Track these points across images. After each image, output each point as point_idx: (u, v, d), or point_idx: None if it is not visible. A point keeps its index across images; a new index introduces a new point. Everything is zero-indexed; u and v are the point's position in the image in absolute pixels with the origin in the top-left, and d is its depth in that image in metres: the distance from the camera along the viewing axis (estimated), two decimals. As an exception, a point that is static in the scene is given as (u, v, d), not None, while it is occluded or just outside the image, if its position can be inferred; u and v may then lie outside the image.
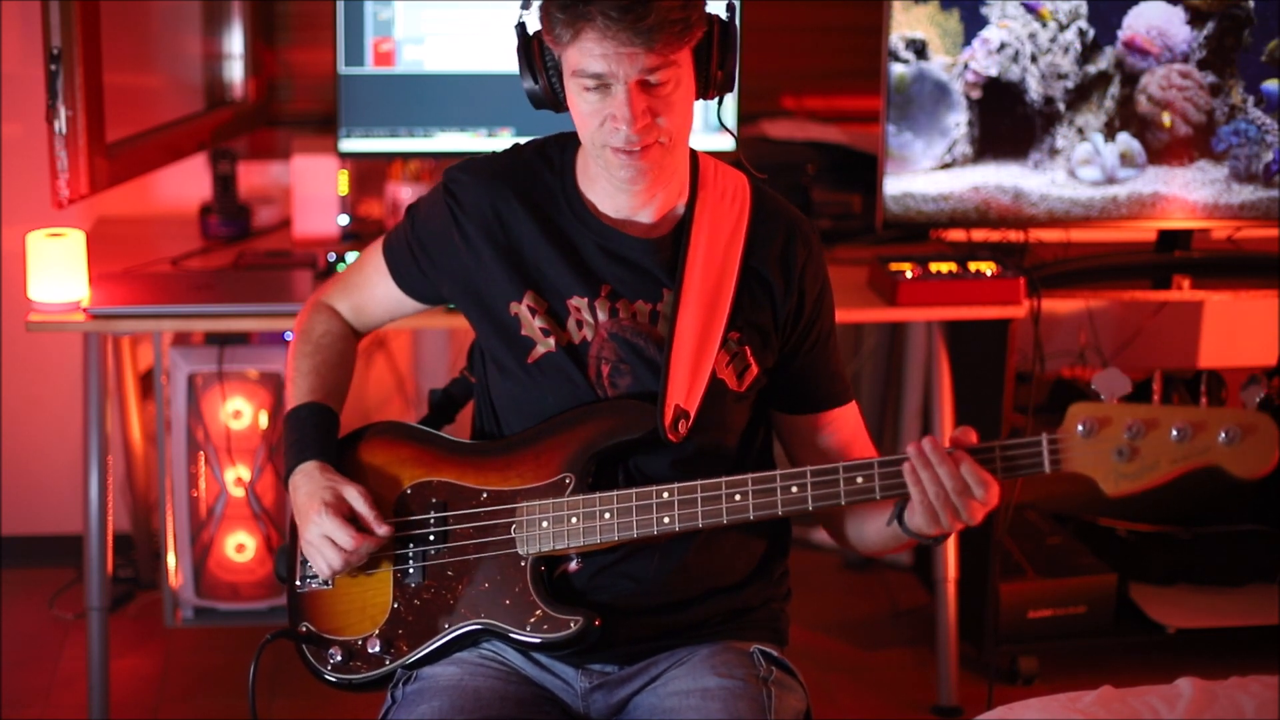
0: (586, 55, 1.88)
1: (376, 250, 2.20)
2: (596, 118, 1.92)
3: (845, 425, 2.11)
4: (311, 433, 2.11)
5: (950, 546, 3.30)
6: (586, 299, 2.03)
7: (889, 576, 3.87)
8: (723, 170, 2.10)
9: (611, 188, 2.01)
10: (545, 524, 2.00)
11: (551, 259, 2.04)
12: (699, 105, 2.01)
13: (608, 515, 1.97)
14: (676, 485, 1.95)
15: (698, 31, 1.91)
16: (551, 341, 2.03)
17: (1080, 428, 1.80)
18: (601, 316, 2.02)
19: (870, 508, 2.01)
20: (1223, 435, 1.76)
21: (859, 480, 1.90)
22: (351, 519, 2.03)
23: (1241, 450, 1.75)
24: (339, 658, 2.05)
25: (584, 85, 1.90)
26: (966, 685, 3.37)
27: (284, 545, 2.17)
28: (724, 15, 1.98)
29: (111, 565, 3.19)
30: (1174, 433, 1.77)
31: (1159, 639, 3.47)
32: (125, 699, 3.31)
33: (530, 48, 1.98)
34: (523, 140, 2.13)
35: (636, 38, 1.84)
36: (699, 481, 1.95)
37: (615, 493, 1.97)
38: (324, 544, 2.02)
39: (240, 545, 3.44)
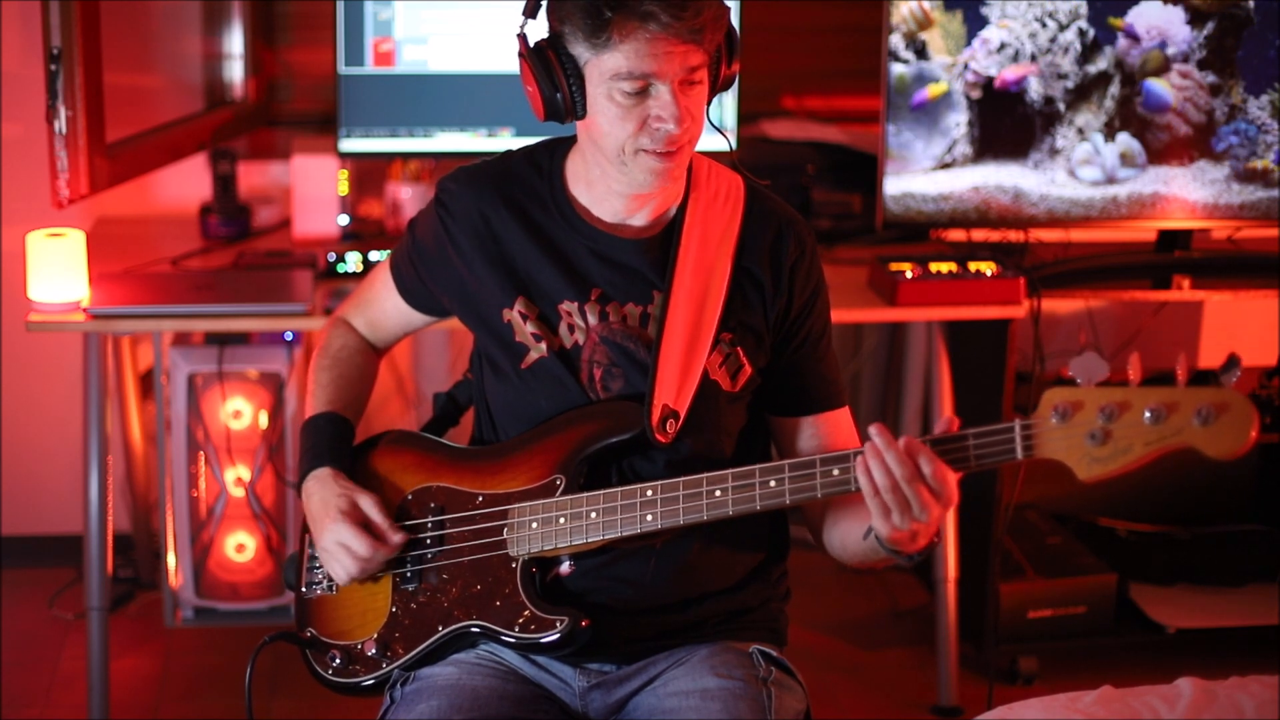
0: (635, 56, 1.86)
1: (385, 266, 2.22)
2: (632, 121, 1.90)
3: (836, 429, 2.10)
4: (325, 441, 2.13)
5: (950, 546, 3.30)
6: (577, 303, 2.03)
7: (889, 576, 3.87)
8: (717, 170, 2.09)
9: (612, 192, 2.01)
10: (535, 525, 2.00)
11: (541, 264, 2.04)
12: None
13: (594, 514, 1.97)
14: (659, 483, 1.95)
15: (723, 31, 1.93)
16: (544, 346, 2.03)
17: (1054, 413, 1.77)
18: (592, 320, 2.02)
19: (850, 519, 2.00)
20: (1196, 416, 1.70)
21: (835, 473, 1.89)
22: (366, 527, 2.04)
23: (1216, 430, 1.70)
24: (339, 661, 2.06)
25: (623, 89, 1.89)
26: (966, 685, 3.37)
27: (293, 554, 2.18)
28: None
29: (111, 565, 3.19)
30: (1147, 414, 1.73)
31: (1159, 639, 3.47)
32: (125, 699, 3.31)
33: (546, 56, 1.93)
34: (516, 144, 2.13)
35: (690, 35, 1.86)
36: (681, 479, 1.94)
37: (601, 492, 1.97)
38: (340, 551, 2.03)
39: (240, 545, 3.44)
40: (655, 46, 1.85)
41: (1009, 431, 1.80)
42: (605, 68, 1.89)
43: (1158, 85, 3.23)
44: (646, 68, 1.87)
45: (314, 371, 2.22)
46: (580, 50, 1.90)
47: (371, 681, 2.06)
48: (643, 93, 1.89)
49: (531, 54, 1.94)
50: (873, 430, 1.82)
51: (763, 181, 2.11)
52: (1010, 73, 3.17)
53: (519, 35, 1.98)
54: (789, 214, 2.09)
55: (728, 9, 1.93)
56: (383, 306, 2.23)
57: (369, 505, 2.05)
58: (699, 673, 2.02)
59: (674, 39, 1.85)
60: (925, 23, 3.13)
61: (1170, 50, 3.23)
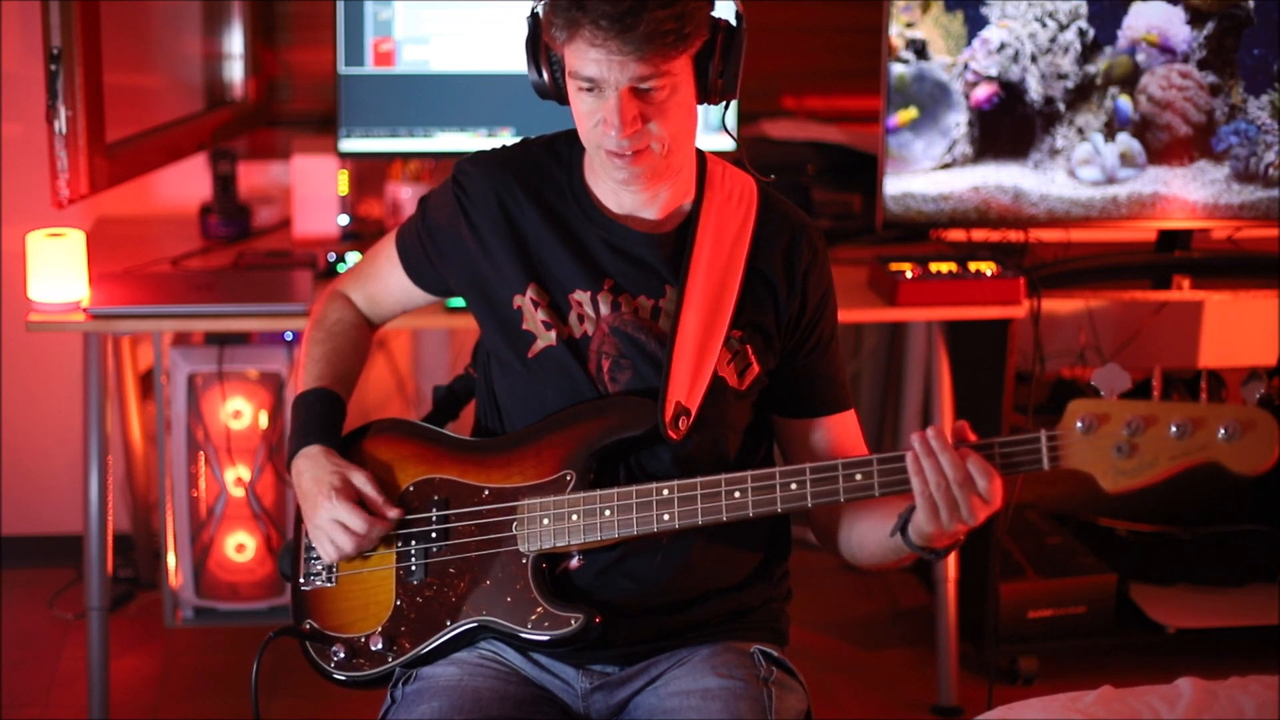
0: (580, 58, 1.88)
1: (390, 241, 2.21)
2: (591, 118, 1.93)
3: (842, 432, 2.10)
4: (317, 418, 2.11)
5: (950, 546, 3.30)
6: (589, 293, 2.03)
7: (889, 576, 3.87)
8: (731, 173, 2.10)
9: (613, 184, 2.02)
10: (546, 521, 2.00)
11: (556, 251, 2.04)
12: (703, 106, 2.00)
13: (608, 512, 1.96)
14: (676, 482, 1.95)
15: (695, 41, 1.90)
16: (553, 335, 2.03)
17: (1079, 424, 1.79)
18: (604, 310, 2.02)
19: (872, 518, 2.00)
20: (1222, 431, 1.74)
21: (858, 477, 1.89)
22: (360, 504, 2.04)
23: (1241, 446, 1.74)
24: (342, 655, 2.06)
25: (579, 86, 1.91)
26: (966, 685, 3.37)
27: (287, 543, 2.17)
28: (733, 21, 1.96)
29: (111, 565, 3.19)
30: (1173, 429, 1.76)
31: (1159, 639, 3.47)
32: (125, 699, 3.31)
33: (537, 40, 1.98)
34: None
35: (626, 46, 1.84)
36: (699, 479, 1.94)
37: (616, 490, 1.97)
38: (335, 529, 2.02)
39: (240, 545, 3.44)
40: (595, 52, 1.86)
41: (1035, 441, 1.81)
42: (566, 63, 1.92)
43: (1123, 101, 3.23)
44: (589, 71, 1.88)
45: (306, 345, 2.20)
46: (551, 44, 1.94)
47: (376, 675, 2.05)
48: (598, 92, 1.90)
49: (528, 36, 1.99)
50: (930, 431, 1.83)
51: (767, 178, 2.12)
52: (982, 90, 3.18)
53: (529, 16, 2.00)
54: (801, 218, 2.10)
55: (695, 19, 1.87)
56: (384, 283, 2.22)
57: (362, 481, 2.04)
58: (700, 673, 2.02)
59: (609, 49, 1.85)
60: (897, 47, 3.16)
61: (1155, 56, 3.23)
